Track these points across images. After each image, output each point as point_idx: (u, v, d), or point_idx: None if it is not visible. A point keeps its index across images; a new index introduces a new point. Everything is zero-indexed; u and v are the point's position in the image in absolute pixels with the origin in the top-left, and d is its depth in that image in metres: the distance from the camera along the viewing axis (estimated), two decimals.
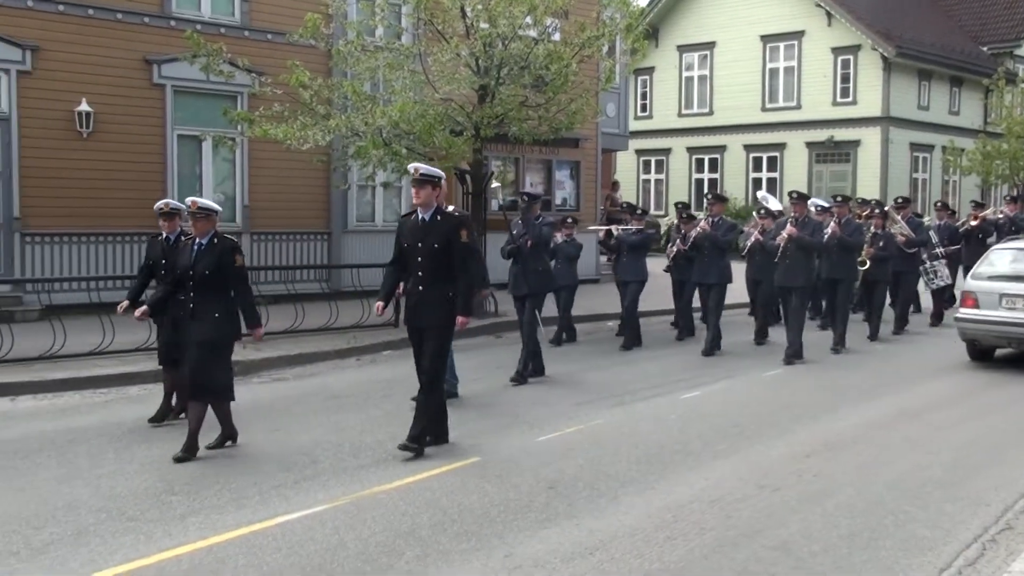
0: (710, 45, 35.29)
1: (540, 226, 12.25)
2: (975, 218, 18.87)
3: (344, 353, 13.31)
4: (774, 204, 15.64)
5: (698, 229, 14.29)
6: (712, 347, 13.62)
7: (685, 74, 36.21)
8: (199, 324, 8.12)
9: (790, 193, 13.79)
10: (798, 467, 7.88)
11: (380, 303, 8.57)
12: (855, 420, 9.66)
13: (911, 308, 17.18)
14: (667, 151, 36.57)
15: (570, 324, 15.00)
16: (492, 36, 15.09)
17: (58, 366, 11.42)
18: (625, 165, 35.45)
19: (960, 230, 18.50)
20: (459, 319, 8.21)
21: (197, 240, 8.33)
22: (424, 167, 8.41)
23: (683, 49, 36.00)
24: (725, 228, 14.33)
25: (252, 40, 17.65)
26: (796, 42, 33.40)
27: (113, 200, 16.38)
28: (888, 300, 16.10)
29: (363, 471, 7.60)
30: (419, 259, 8.25)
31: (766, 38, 33.83)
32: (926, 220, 18.81)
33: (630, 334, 14.33)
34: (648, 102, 37.18)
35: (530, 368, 11.55)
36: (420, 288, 8.27)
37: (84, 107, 16.10)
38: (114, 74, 16.49)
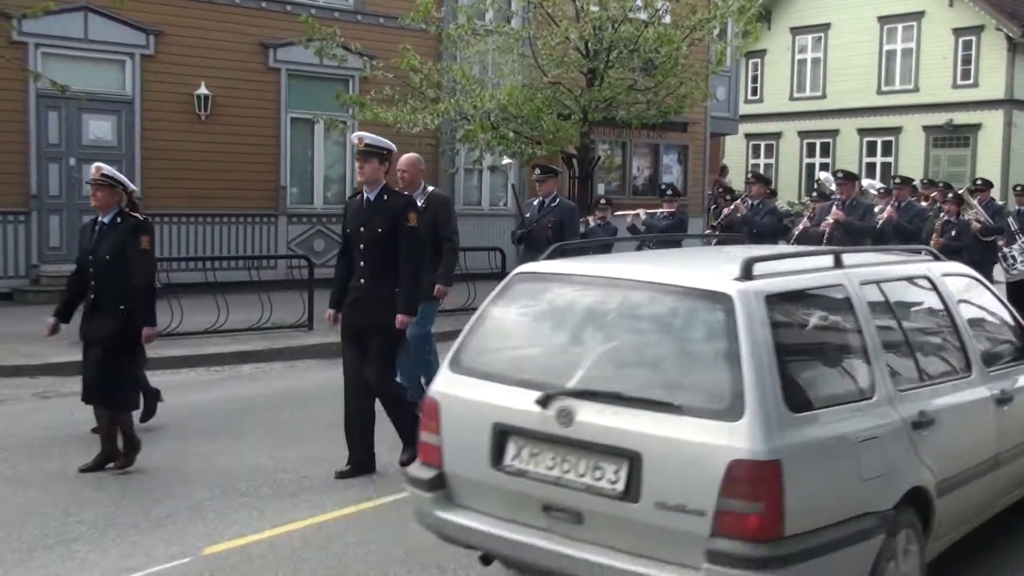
0: (824, 27, 34.48)
1: (557, 208, 10.42)
2: None
3: (449, 336, 13.40)
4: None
5: (731, 211, 13.11)
6: None
7: (798, 56, 35.48)
8: (99, 319, 7.08)
9: (835, 172, 12.29)
10: None
11: (331, 311, 7.30)
12: None
13: None
14: (778, 135, 35.93)
15: None
16: (602, 19, 15.00)
17: (175, 343, 11.74)
18: (734, 149, 34.94)
19: None
20: (399, 318, 6.96)
21: (99, 219, 7.28)
22: (370, 136, 7.25)
23: (796, 31, 35.28)
24: (765, 212, 12.94)
25: (364, 24, 17.88)
26: (915, 23, 32.42)
27: (229, 182, 16.81)
28: None
29: None
30: (361, 246, 7.07)
31: (884, 19, 32.92)
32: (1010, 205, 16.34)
33: None
34: (759, 85, 36.56)
35: None
36: (361, 281, 7.06)
37: (203, 90, 16.54)
38: (232, 58, 16.90)
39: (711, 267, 5.06)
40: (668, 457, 4.02)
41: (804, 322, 4.66)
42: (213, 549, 5.61)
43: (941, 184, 16.86)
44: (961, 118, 31.63)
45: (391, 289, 6.95)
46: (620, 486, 4.10)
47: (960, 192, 14.52)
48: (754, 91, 36.44)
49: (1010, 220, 15.02)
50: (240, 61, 17.03)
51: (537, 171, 10.65)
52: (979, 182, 15.16)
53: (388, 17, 17.62)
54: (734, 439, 3.90)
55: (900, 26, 32.79)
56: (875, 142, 33.73)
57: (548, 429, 4.30)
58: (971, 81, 31.52)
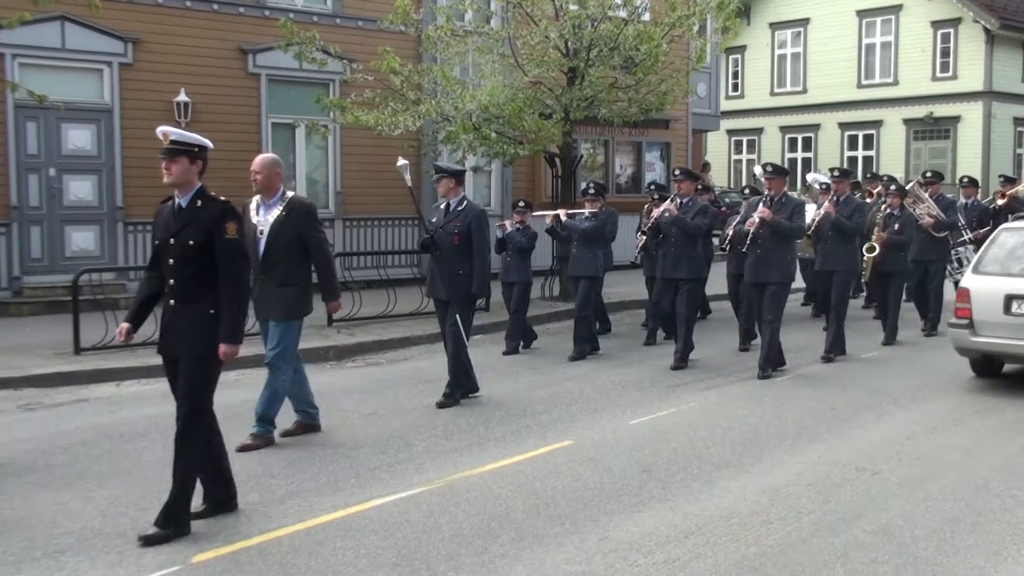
0: (804, 22, 34.64)
1: (464, 212, 9.43)
2: (1002, 195, 15.94)
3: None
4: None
5: (660, 213, 11.71)
6: (682, 360, 11.20)
7: (778, 52, 35.62)
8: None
9: (764, 166, 11.22)
10: (898, 450, 7.72)
11: (124, 325, 6.22)
12: (958, 402, 9.42)
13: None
14: (759, 131, 36.03)
15: (526, 327, 12.81)
16: (581, 17, 15.01)
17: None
18: (716, 146, 35.04)
19: (989, 209, 15.75)
20: (221, 348, 5.89)
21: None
22: (176, 132, 6.29)
23: (776, 26, 35.40)
24: (695, 212, 11.63)
25: (343, 27, 17.83)
26: (893, 16, 32.60)
27: (212, 188, 16.64)
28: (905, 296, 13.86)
29: (456, 454, 7.66)
30: (171, 261, 6.00)
31: (862, 13, 33.09)
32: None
33: (580, 335, 12.08)
34: (740, 81, 36.67)
35: (461, 386, 9.54)
36: (172, 303, 6.02)
37: (183, 97, 16.45)
38: (211, 64, 16.82)
39: None
40: None
41: None
42: (202, 557, 5.57)
43: (885, 178, 16.33)
44: (941, 110, 31.78)
45: (205, 312, 5.92)
46: None
47: (908, 186, 14.04)
48: (735, 87, 36.55)
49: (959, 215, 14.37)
50: (219, 67, 16.96)
51: (436, 175, 9.79)
52: (929, 175, 14.48)
53: (367, 20, 17.58)
54: None
55: (879, 19, 32.94)
56: (856, 136, 33.88)
57: None
58: (950, 73, 31.68)
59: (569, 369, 11.34)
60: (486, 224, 9.52)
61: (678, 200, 11.80)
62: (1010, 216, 15.21)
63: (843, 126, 33.98)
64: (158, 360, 10.94)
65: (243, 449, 7.67)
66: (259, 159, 8.11)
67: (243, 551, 5.66)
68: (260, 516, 6.26)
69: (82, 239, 15.95)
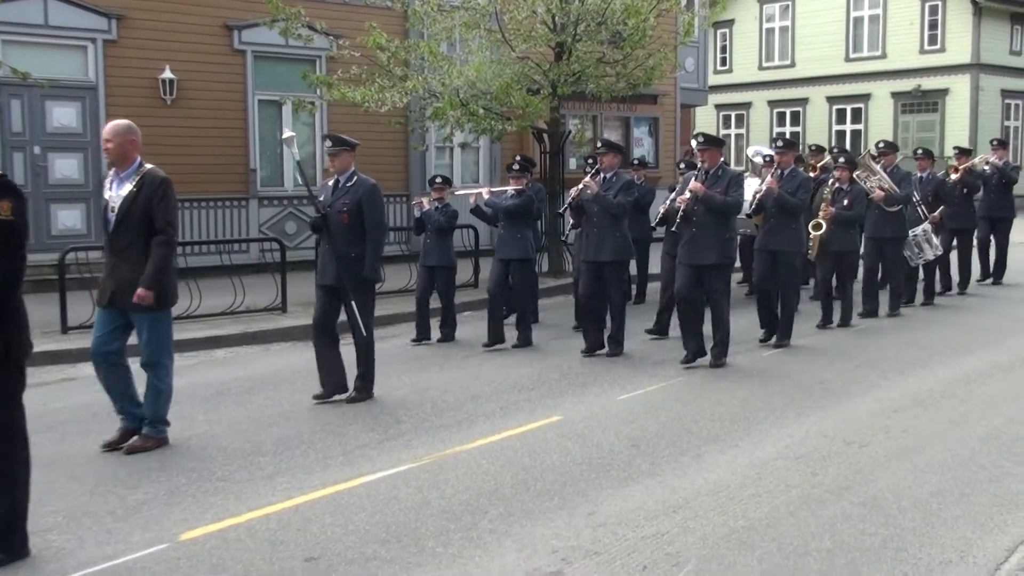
0: None
1: (354, 188, 8.60)
2: (955, 170, 14.99)
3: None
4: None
5: (581, 190, 10.51)
6: (615, 346, 10.53)
7: (766, 25, 35.54)
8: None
9: (695, 136, 10.34)
10: (885, 423, 7.74)
11: None
12: (944, 376, 9.46)
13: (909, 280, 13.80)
14: (747, 105, 35.99)
15: (452, 317, 11.86)
16: None
17: None
18: (704, 120, 34.97)
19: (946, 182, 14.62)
20: None
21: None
22: None
23: (764, 0, 35.28)
24: (619, 188, 10.43)
25: (329, 3, 17.70)
26: None
27: (198, 166, 16.63)
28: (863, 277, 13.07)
29: (445, 431, 7.66)
30: None
31: None
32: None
33: (520, 320, 11.30)
34: (728, 55, 36.60)
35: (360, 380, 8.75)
36: None
37: (168, 74, 16.36)
38: (196, 41, 16.72)
39: None
40: None
41: None
42: (190, 534, 5.57)
43: (836, 149, 15.25)
44: (929, 83, 31.80)
45: None
46: None
47: (861, 156, 13.20)
48: (723, 61, 36.47)
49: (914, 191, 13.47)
50: (204, 44, 16.85)
51: (328, 143, 8.91)
52: (882, 144, 13.52)
53: None
54: None
55: None
56: (844, 110, 33.88)
57: None
58: (938, 46, 31.66)
59: (557, 343, 11.33)
60: (379, 199, 8.67)
61: (601, 175, 10.51)
62: (967, 191, 14.76)
63: (831, 100, 33.97)
64: None
65: (130, 451, 7.09)
66: (110, 125, 7.23)
67: (231, 528, 5.66)
68: (249, 493, 6.25)
69: (68, 217, 15.89)
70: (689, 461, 6.81)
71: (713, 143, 10.03)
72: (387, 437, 7.51)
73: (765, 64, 35.57)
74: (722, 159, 10.12)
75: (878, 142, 14.09)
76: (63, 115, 15.77)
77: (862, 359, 10.24)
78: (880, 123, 32.71)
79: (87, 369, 10.28)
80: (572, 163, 19.47)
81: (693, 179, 9.76)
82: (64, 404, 8.68)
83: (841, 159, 12.60)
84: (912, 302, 13.77)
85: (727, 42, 36.46)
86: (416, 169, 19.32)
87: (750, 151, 15.75)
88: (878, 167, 12.87)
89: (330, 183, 8.86)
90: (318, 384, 8.73)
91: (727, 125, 36.75)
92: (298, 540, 5.47)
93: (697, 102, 26.85)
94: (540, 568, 5.05)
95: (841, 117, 33.95)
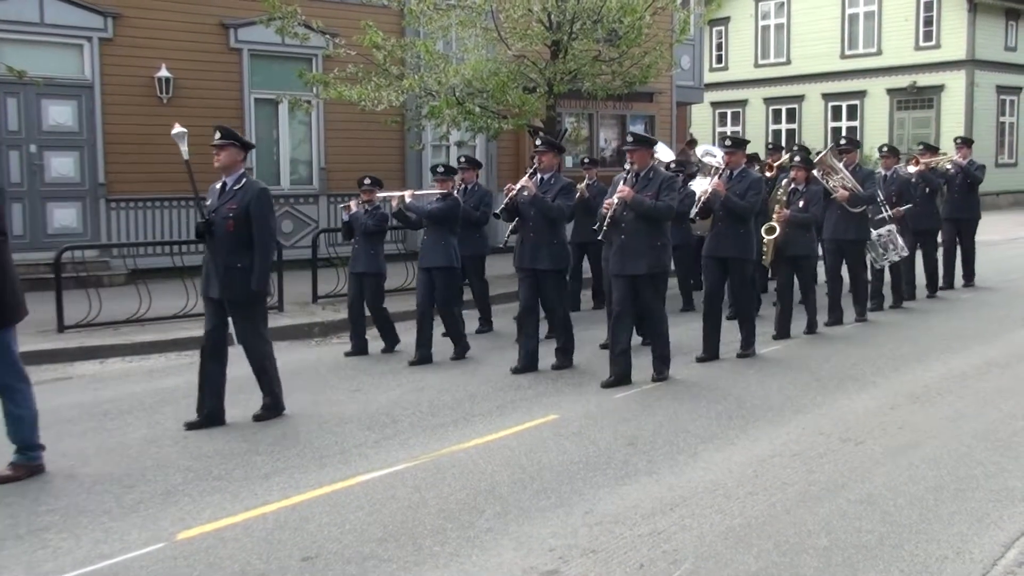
0: None
1: (241, 191, 7.97)
2: (916, 162, 14.25)
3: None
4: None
5: (521, 190, 9.66)
6: (566, 358, 9.91)
7: (761, 23, 35.55)
8: None
9: (626, 136, 9.37)
10: (881, 420, 7.75)
11: None
12: (939, 372, 9.47)
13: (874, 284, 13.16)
14: (743, 103, 36.01)
15: (388, 325, 11.19)
16: None
17: (144, 329, 11.67)
18: (700, 118, 35.01)
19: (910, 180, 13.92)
20: None
21: None
22: None
23: None
24: (557, 191, 9.68)
25: (326, 1, 17.68)
26: None
27: (194, 165, 16.51)
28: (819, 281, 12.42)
29: (442, 430, 7.66)
30: None
31: None
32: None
33: (451, 333, 10.78)
34: (724, 53, 36.61)
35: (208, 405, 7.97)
36: None
37: (164, 73, 16.33)
38: (192, 39, 16.69)
39: None
40: None
41: None
42: (187, 534, 5.57)
43: (797, 147, 14.22)
44: (924, 80, 31.81)
45: None
46: None
47: (822, 155, 12.51)
48: (719, 59, 36.49)
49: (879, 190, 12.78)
50: (201, 42, 16.83)
51: (217, 134, 8.20)
52: (843, 142, 12.86)
53: None
54: None
55: None
56: (840, 106, 33.90)
57: None
58: (933, 43, 31.68)
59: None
60: (268, 205, 7.98)
61: (539, 176, 9.77)
62: (927, 189, 14.01)
63: (827, 97, 33.99)
64: (142, 338, 11.00)
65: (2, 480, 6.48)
66: None
67: (228, 528, 5.66)
68: (245, 492, 6.25)
69: (64, 216, 15.87)
70: (686, 459, 6.81)
71: (643, 143, 9.30)
72: (384, 436, 7.51)
73: (761, 62, 35.58)
74: (654, 160, 9.44)
75: (840, 138, 13.49)
76: (59, 113, 15.74)
77: (858, 356, 10.25)
78: (876, 120, 32.75)
79: (83, 368, 10.35)
80: (568, 162, 19.46)
81: (621, 183, 9.05)
82: (60, 403, 8.66)
83: (796, 158, 11.80)
84: (881, 308, 13.15)
85: (723, 40, 36.47)
86: (412, 168, 19.30)
87: (699, 151, 14.71)
88: (840, 165, 12.22)
89: (217, 186, 8.12)
90: (318, 384, 8.73)
91: (723, 123, 36.75)
92: (295, 539, 5.47)
93: (693, 100, 26.85)
94: (537, 567, 5.06)
95: (837, 114, 33.98)
